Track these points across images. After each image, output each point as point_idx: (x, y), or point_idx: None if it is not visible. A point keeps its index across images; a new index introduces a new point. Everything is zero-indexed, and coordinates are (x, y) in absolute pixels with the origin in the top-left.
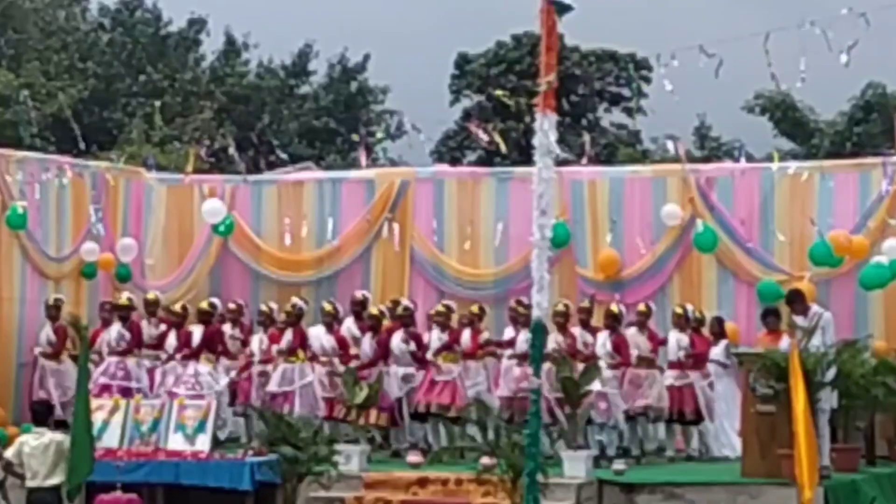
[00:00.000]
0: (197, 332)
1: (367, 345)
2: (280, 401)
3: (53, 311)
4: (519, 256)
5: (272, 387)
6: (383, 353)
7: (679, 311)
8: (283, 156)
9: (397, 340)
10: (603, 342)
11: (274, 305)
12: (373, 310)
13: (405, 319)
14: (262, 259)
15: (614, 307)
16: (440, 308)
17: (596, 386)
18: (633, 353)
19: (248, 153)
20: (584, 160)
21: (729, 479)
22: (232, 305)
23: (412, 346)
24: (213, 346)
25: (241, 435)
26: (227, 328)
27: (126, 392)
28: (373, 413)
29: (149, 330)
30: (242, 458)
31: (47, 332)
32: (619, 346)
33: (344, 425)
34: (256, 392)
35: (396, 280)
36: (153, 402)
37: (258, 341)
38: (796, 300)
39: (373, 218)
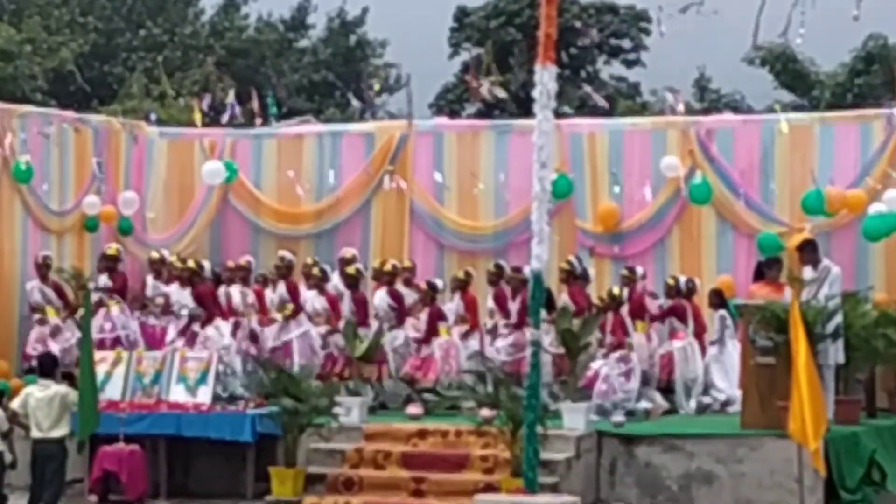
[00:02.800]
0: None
1: (346, 304)
2: (279, 354)
3: (44, 269)
4: (519, 209)
5: (270, 342)
6: (362, 311)
7: (671, 281)
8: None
9: (379, 299)
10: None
11: (249, 258)
12: (350, 269)
13: (389, 278)
14: (262, 212)
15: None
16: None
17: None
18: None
19: (248, 106)
20: (600, 102)
21: (728, 431)
22: (241, 262)
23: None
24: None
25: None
26: (234, 288)
27: (116, 343)
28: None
29: (155, 287)
30: (243, 410)
31: (42, 290)
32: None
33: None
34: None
35: (396, 233)
36: (155, 355)
37: (239, 295)
38: (807, 250)
39: (372, 171)
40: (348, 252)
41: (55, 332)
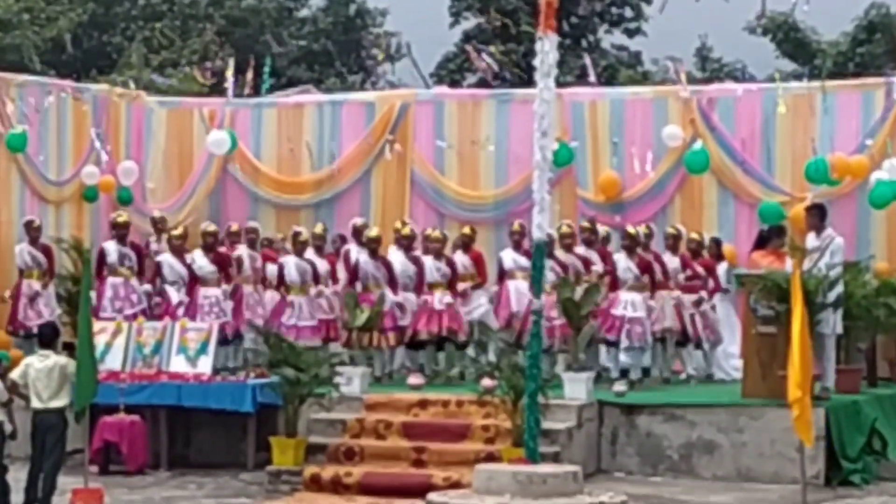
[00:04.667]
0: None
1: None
2: (306, 332)
3: (35, 232)
4: (519, 178)
5: (292, 319)
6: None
7: (672, 231)
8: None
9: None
10: (626, 265)
11: (255, 224)
12: (372, 232)
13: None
14: (262, 182)
15: (632, 229)
16: (436, 234)
17: (629, 312)
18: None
19: (247, 75)
20: (592, 78)
21: (730, 400)
22: (248, 225)
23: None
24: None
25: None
26: (242, 249)
27: (144, 314)
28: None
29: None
30: (244, 380)
31: (32, 254)
32: (647, 268)
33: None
34: (249, 315)
35: (396, 202)
36: (155, 325)
37: (248, 258)
38: (814, 214)
39: (373, 141)
40: (359, 220)
41: (34, 298)
